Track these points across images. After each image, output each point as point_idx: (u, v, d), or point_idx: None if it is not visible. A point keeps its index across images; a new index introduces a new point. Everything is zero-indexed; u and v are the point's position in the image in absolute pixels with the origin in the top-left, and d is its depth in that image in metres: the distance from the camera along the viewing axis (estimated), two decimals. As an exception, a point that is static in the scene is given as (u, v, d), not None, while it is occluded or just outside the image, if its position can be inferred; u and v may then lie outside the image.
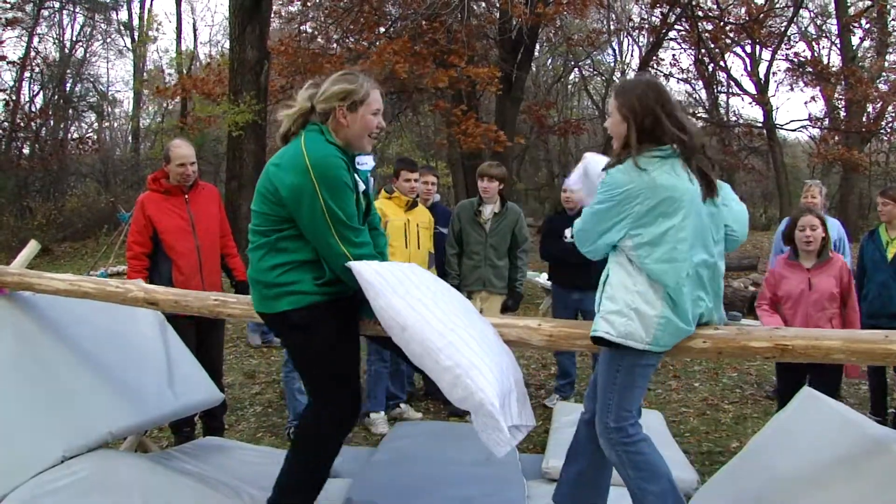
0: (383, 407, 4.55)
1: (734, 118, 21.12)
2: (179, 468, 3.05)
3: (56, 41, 19.91)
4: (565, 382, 5.07)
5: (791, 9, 16.01)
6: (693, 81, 20.14)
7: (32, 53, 17.68)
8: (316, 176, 2.34)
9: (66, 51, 19.90)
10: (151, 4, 26.75)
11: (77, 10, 19.64)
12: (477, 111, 12.63)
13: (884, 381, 4.65)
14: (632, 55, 22.26)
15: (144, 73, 22.90)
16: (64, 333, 3.21)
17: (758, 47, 18.07)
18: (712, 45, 15.33)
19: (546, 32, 14.99)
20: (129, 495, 2.60)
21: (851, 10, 16.72)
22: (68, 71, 19.45)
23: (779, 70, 18.63)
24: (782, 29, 16.25)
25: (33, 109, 18.32)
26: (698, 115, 20.03)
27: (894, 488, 2.09)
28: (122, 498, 2.59)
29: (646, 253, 2.29)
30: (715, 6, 15.13)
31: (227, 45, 16.99)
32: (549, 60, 21.42)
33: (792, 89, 18.85)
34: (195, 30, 30.80)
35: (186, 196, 3.90)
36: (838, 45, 17.92)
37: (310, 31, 12.52)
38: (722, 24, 14.74)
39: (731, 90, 20.54)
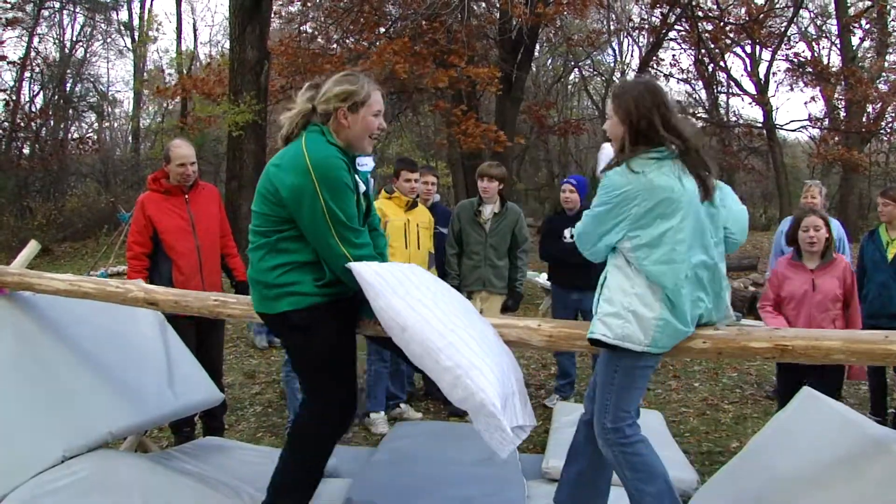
0: (383, 407, 4.55)
1: (734, 118, 21.13)
2: (179, 468, 3.05)
3: (56, 41, 19.93)
4: (565, 382, 5.07)
5: (791, 9, 16.02)
6: (693, 82, 20.18)
7: (32, 53, 17.68)
8: (317, 177, 2.34)
9: (67, 51, 19.89)
10: (151, 4, 26.75)
11: (77, 10, 19.64)
12: (477, 111, 12.64)
13: (884, 381, 4.65)
14: (632, 55, 22.29)
15: (144, 73, 22.90)
16: (64, 333, 3.21)
17: (758, 47, 18.07)
18: (712, 46, 15.34)
19: (546, 32, 14.99)
20: (129, 495, 2.60)
21: (851, 11, 16.72)
22: (68, 71, 19.45)
23: (779, 70, 18.68)
24: (782, 29, 16.27)
25: (33, 109, 18.33)
26: (698, 115, 20.05)
27: (894, 488, 2.09)
28: (122, 498, 2.59)
29: (644, 254, 2.30)
30: (715, 6, 15.14)
31: (227, 45, 17.02)
32: (549, 60, 21.42)
33: (792, 89, 18.89)
34: (195, 30, 30.81)
35: (186, 196, 3.90)
36: (838, 46, 17.92)
37: (310, 31, 12.52)
38: (722, 24, 14.75)
39: (731, 90, 20.57)
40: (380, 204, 4.26)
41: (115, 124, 25.09)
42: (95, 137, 21.05)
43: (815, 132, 18.42)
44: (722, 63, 18.03)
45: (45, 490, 2.53)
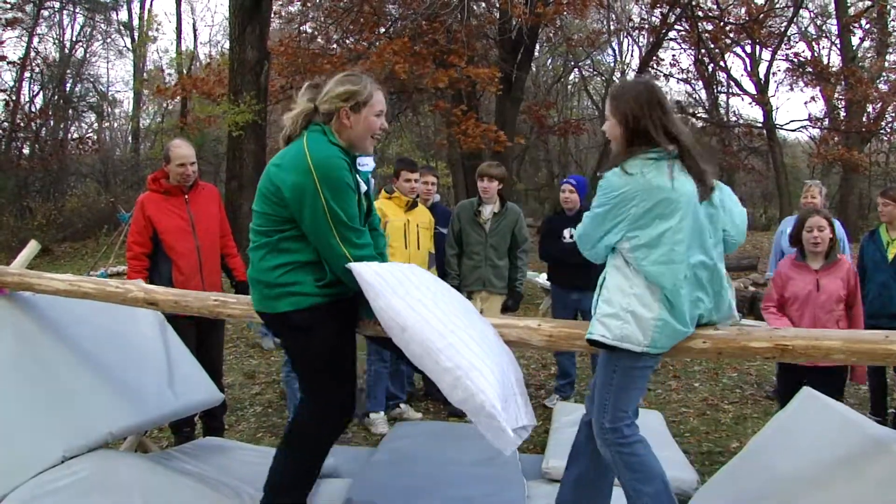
0: (383, 407, 4.55)
1: (734, 118, 21.14)
2: (179, 468, 3.05)
3: (56, 41, 19.94)
4: (565, 383, 5.07)
5: (791, 9, 16.02)
6: (693, 81, 20.18)
7: (32, 54, 17.69)
8: (318, 176, 2.34)
9: (66, 51, 19.90)
10: (151, 4, 26.76)
11: (77, 10, 19.64)
12: (477, 111, 12.64)
13: (884, 381, 4.65)
14: (632, 55, 22.32)
15: (144, 73, 22.89)
16: (64, 333, 3.21)
17: (758, 47, 18.08)
18: (712, 46, 15.35)
19: (546, 32, 14.99)
20: (129, 495, 2.60)
21: (851, 11, 16.73)
22: (68, 71, 19.45)
23: (779, 70, 18.70)
24: (782, 29, 16.29)
25: (33, 109, 18.34)
26: (698, 115, 20.07)
27: (894, 488, 2.09)
28: (122, 498, 2.59)
29: (643, 255, 2.30)
30: (715, 6, 15.15)
31: (227, 45, 16.98)
32: (549, 60, 21.42)
33: (792, 89, 18.92)
34: (195, 30, 30.88)
35: (186, 196, 3.90)
36: (838, 46, 17.93)
37: (310, 31, 12.53)
38: (722, 24, 14.76)
39: (731, 90, 20.58)
40: (380, 204, 4.26)
41: (115, 124, 25.13)
42: (95, 137, 21.06)
43: (815, 132, 18.47)
44: (722, 63, 18.05)
45: (45, 490, 2.53)
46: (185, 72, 19.94)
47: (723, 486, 2.81)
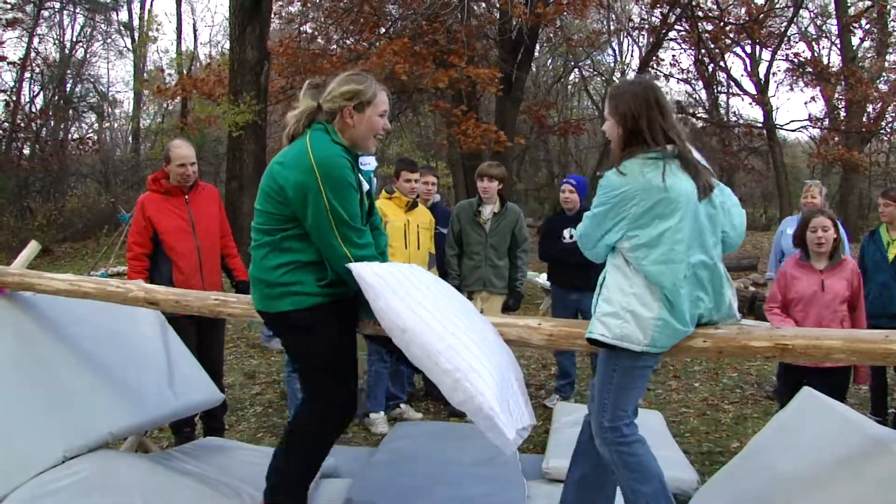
0: (383, 407, 4.55)
1: (734, 118, 21.13)
2: (179, 468, 3.05)
3: (56, 42, 19.95)
4: (565, 382, 5.07)
5: (791, 9, 16.02)
6: (693, 81, 20.16)
7: (32, 54, 17.69)
8: (320, 175, 2.34)
9: (67, 51, 19.90)
10: (151, 4, 26.79)
11: (77, 10, 19.65)
12: (477, 111, 12.64)
13: (884, 381, 4.65)
14: (632, 55, 22.31)
15: (144, 74, 22.90)
16: (64, 333, 3.21)
17: (758, 47, 18.08)
18: (712, 46, 15.35)
19: (546, 33, 15.00)
20: (129, 495, 2.60)
21: (851, 11, 16.72)
22: (68, 71, 19.45)
23: (779, 70, 18.68)
24: (782, 29, 16.28)
25: (33, 110, 18.35)
26: (698, 115, 20.06)
27: (894, 488, 2.09)
28: (123, 498, 2.59)
29: (643, 254, 2.30)
30: (715, 6, 15.15)
31: (227, 45, 17.00)
32: (549, 61, 21.42)
33: (792, 89, 18.91)
34: (195, 30, 30.94)
35: (186, 196, 3.90)
36: (838, 46, 17.94)
37: (310, 31, 12.53)
38: (722, 24, 14.76)
39: (731, 90, 20.57)
40: (380, 204, 4.26)
41: (115, 124, 25.15)
42: (95, 138, 21.07)
43: (815, 132, 18.45)
44: (722, 63, 18.04)
45: (45, 490, 2.53)
46: (185, 72, 19.94)
47: (723, 487, 2.81)
